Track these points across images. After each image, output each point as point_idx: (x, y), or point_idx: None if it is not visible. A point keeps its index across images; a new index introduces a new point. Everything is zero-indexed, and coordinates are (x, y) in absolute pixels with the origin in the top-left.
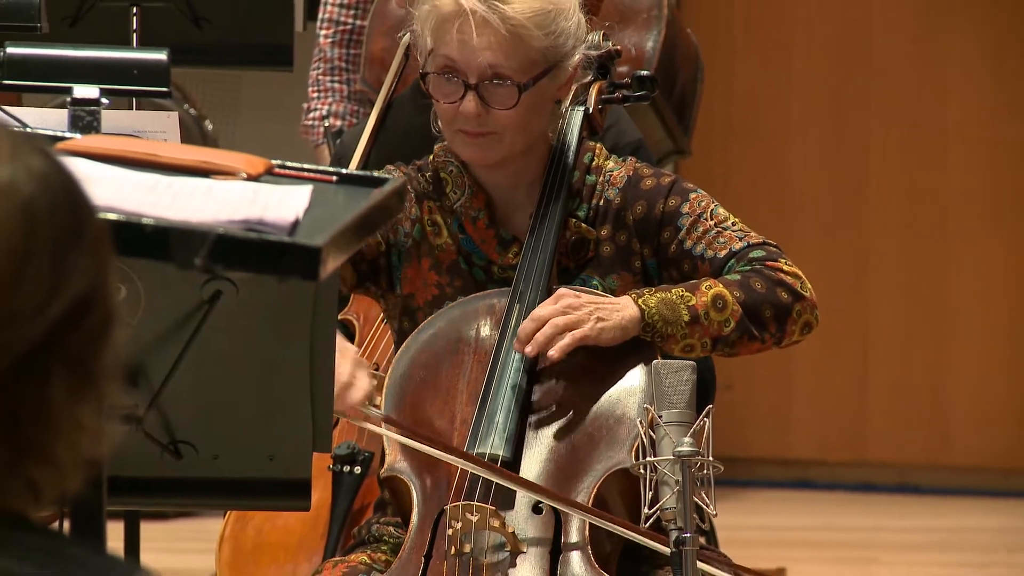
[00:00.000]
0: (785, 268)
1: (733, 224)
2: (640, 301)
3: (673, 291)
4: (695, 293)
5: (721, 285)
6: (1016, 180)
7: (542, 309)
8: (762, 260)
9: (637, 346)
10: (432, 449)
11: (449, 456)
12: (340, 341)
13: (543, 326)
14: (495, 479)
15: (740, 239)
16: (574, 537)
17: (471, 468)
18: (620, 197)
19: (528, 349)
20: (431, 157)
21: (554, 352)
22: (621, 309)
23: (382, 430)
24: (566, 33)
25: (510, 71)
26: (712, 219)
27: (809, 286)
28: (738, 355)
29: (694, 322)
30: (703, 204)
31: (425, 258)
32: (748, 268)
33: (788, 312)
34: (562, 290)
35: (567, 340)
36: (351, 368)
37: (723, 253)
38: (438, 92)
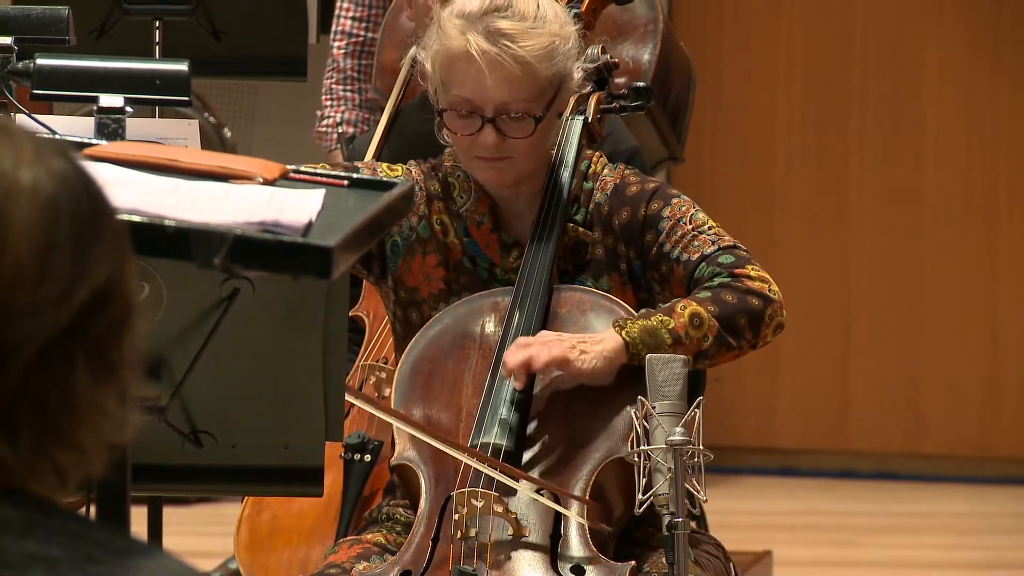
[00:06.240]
0: (752, 274)
1: (709, 229)
2: (623, 333)
3: (653, 318)
4: (672, 315)
5: (695, 303)
6: (987, 181)
7: (522, 352)
8: (730, 267)
9: None
10: (476, 463)
11: (482, 466)
12: None
13: (527, 359)
14: (496, 475)
15: (713, 243)
16: (573, 522)
17: (499, 477)
18: (608, 203)
19: (516, 384)
20: (443, 160)
21: (536, 388)
22: (601, 342)
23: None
24: (567, 55)
25: (524, 105)
26: (691, 223)
27: (776, 288)
28: (716, 365)
29: (676, 344)
30: (683, 209)
31: (432, 254)
32: (717, 282)
33: (761, 318)
34: (543, 332)
35: (538, 365)
36: None
37: (695, 256)
38: (455, 126)
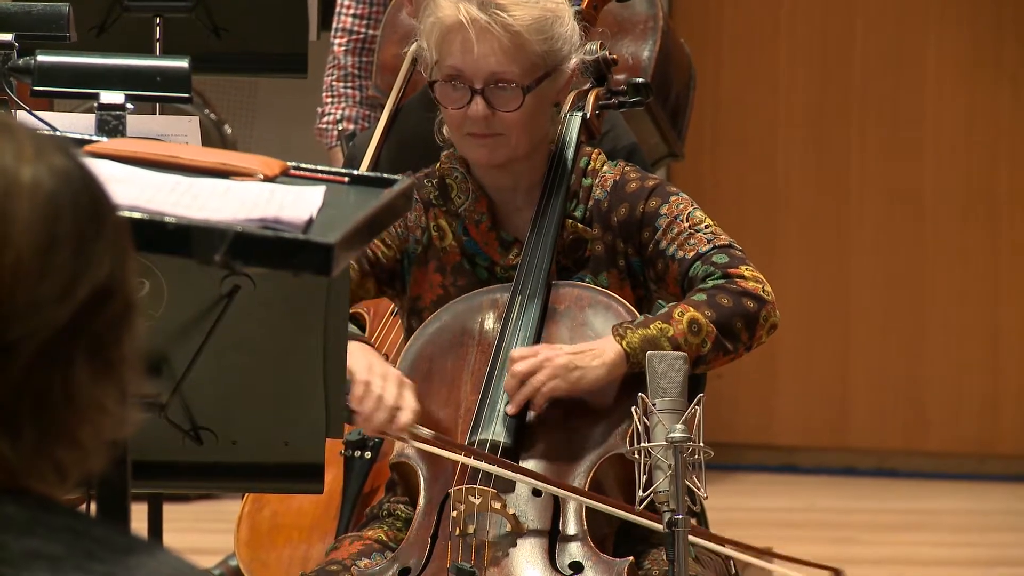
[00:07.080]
0: (746, 274)
1: (706, 227)
2: (624, 343)
3: (652, 326)
4: (671, 323)
5: (692, 309)
6: (987, 180)
7: (522, 364)
8: (724, 267)
9: None
10: (480, 463)
11: (506, 472)
12: (382, 364)
13: (523, 383)
14: (514, 477)
15: (708, 241)
16: (571, 519)
17: (520, 479)
18: (607, 199)
19: (510, 409)
20: (437, 165)
21: (532, 412)
22: (601, 354)
23: (432, 448)
24: (562, 38)
25: (513, 75)
26: (688, 221)
27: (769, 288)
28: (711, 368)
29: (676, 351)
30: (681, 207)
31: (431, 261)
32: (711, 284)
33: (756, 319)
34: (542, 345)
35: (539, 400)
36: (397, 390)
37: (691, 255)
38: (446, 99)
